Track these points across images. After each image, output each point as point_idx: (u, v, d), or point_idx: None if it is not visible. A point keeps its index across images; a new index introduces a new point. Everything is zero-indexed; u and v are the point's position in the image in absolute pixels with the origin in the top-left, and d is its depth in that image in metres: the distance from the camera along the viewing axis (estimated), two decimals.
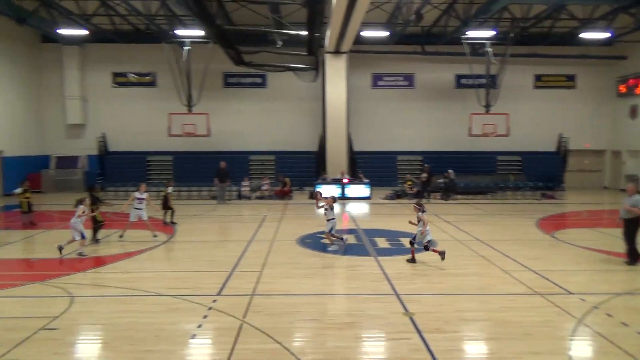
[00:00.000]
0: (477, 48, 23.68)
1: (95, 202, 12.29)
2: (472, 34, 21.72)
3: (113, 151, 25.93)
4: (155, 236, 12.88)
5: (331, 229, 11.64)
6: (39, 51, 25.53)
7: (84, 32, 21.79)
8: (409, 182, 22.25)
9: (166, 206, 14.98)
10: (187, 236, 13.47)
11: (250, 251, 11.47)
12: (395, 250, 11.73)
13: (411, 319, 7.13)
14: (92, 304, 7.81)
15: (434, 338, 6.45)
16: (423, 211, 10.38)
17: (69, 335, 6.63)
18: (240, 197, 21.94)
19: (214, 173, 21.05)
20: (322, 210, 11.81)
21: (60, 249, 10.93)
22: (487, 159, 25.98)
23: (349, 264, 10.71)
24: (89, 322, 7.14)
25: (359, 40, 21.79)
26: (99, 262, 10.74)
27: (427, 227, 10.29)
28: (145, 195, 12.97)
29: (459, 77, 26.35)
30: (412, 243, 10.46)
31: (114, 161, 25.44)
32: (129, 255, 11.21)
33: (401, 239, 12.93)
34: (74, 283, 8.90)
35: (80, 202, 11.18)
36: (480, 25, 21.50)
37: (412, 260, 10.40)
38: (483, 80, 23.62)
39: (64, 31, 21.64)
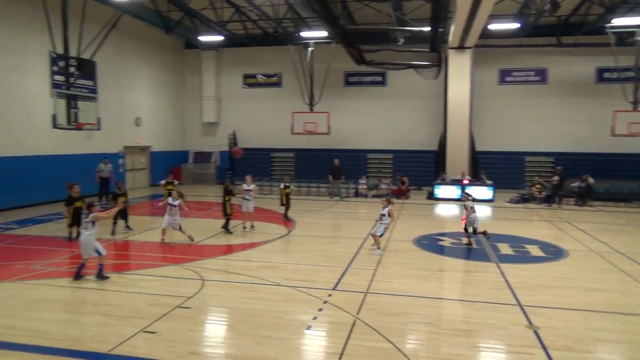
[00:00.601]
0: (624, 37, 21.05)
1: (228, 194, 13.29)
2: (618, 21, 19.32)
3: (242, 148, 27.82)
4: (252, 227, 13.50)
5: (382, 233, 11.12)
6: (182, 56, 28.38)
7: (220, 37, 23.72)
8: (538, 186, 20.58)
9: (282, 202, 15.50)
10: (306, 230, 13.97)
11: (365, 249, 11.53)
12: (520, 257, 10.96)
13: (535, 332, 6.61)
14: (219, 288, 8.49)
15: (561, 356, 5.90)
16: (473, 200, 11.90)
17: (200, 315, 7.28)
18: (357, 194, 22.17)
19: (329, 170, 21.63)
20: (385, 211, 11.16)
21: (190, 238, 12.04)
22: (634, 162, 23.00)
23: (468, 268, 10.27)
24: (217, 304, 7.77)
25: (485, 34, 20.66)
26: (227, 250, 11.63)
27: (474, 213, 11.62)
28: (252, 187, 13.60)
29: (601, 71, 23.71)
30: (465, 230, 11.80)
31: (243, 157, 27.26)
32: (252, 245, 11.96)
33: (527, 246, 12.04)
34: (204, 267, 9.75)
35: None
36: (630, 11, 19.05)
37: (469, 244, 11.78)
38: (631, 74, 20.92)
39: (203, 38, 23.80)
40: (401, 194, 21.56)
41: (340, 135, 25.73)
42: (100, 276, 8.81)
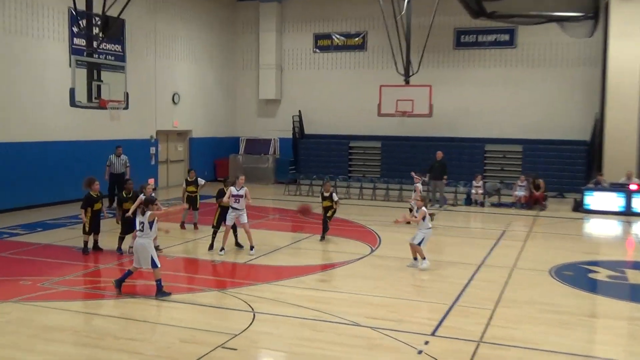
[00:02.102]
0: None
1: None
2: None
3: (310, 134, 28.19)
4: (251, 248, 12.90)
5: (421, 241, 11.84)
6: (234, 12, 29.29)
7: None
8: None
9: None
10: (394, 250, 13.77)
11: (479, 279, 11.27)
12: None
13: None
14: (274, 324, 8.62)
15: None
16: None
17: None
18: (469, 201, 21.67)
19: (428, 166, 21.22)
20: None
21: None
22: None
23: (634, 314, 9.69)
24: (270, 346, 7.91)
25: None
26: (289, 273, 11.71)
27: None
28: (243, 192, 13.08)
29: None
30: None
31: (310, 146, 27.61)
32: (323, 268, 12.14)
33: None
34: (257, 295, 9.92)
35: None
36: None
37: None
38: None
39: None
40: (534, 202, 20.81)
41: (445, 118, 25.28)
42: (161, 293, 9.61)
